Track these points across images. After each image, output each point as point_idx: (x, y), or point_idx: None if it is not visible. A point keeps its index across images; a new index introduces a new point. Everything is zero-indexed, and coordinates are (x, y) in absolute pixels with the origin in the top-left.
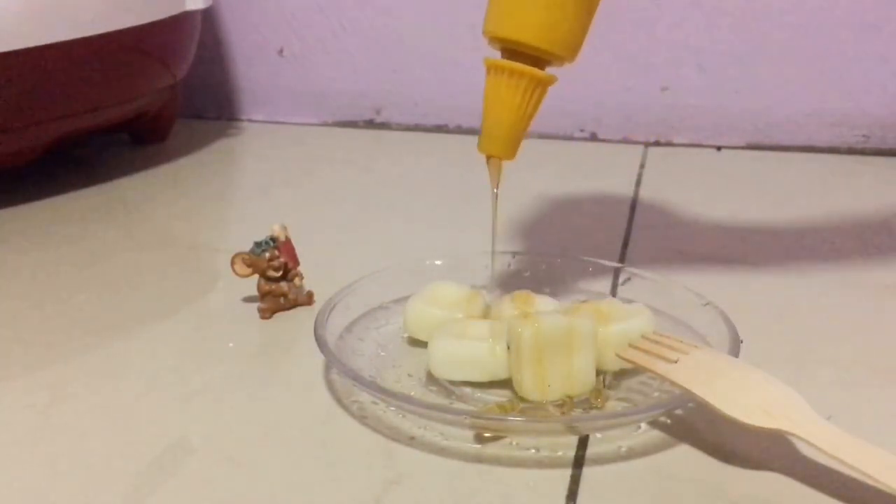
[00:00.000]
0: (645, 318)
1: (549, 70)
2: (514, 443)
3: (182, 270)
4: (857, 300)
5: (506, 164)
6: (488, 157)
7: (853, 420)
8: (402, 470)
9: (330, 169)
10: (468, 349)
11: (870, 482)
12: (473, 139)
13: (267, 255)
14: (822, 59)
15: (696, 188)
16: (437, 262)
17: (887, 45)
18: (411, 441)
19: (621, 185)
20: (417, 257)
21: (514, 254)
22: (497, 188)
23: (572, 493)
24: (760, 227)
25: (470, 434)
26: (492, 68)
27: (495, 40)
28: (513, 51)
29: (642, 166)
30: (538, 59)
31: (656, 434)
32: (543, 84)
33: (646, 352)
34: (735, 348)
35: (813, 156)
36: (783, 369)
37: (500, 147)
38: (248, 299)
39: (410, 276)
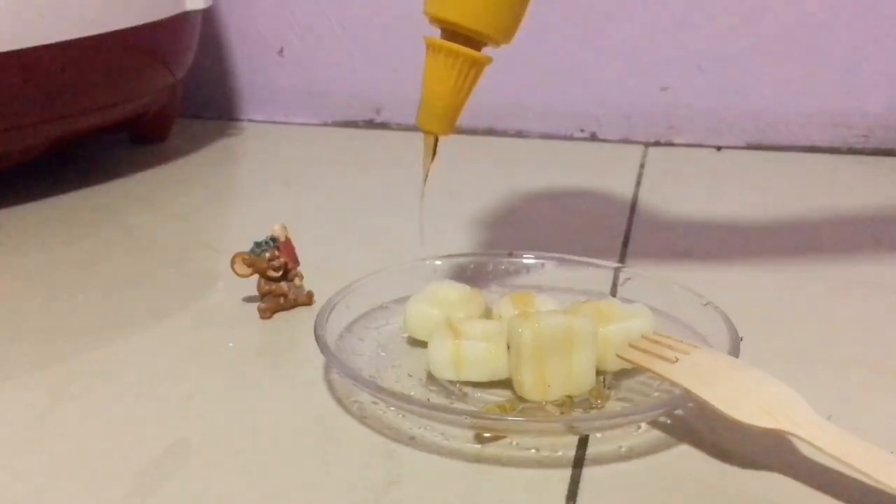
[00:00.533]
0: (645, 318)
1: (486, 51)
2: (514, 443)
3: (182, 270)
4: (857, 300)
5: (509, 163)
6: (425, 132)
7: (853, 420)
8: (402, 470)
9: (330, 169)
10: (468, 349)
11: (870, 482)
12: (473, 139)
13: (267, 255)
14: (822, 59)
15: (696, 188)
16: (437, 262)
17: (887, 46)
18: (411, 441)
19: (621, 185)
20: (417, 257)
21: (511, 253)
22: (431, 162)
23: (572, 493)
24: (760, 227)
25: (470, 434)
26: (430, 47)
27: (434, 20)
28: (451, 31)
29: (642, 166)
30: (474, 41)
31: (656, 434)
32: (478, 64)
33: (646, 352)
34: (735, 348)
35: (813, 156)
36: (783, 369)
37: (437, 123)
38: (248, 299)
39: (410, 276)
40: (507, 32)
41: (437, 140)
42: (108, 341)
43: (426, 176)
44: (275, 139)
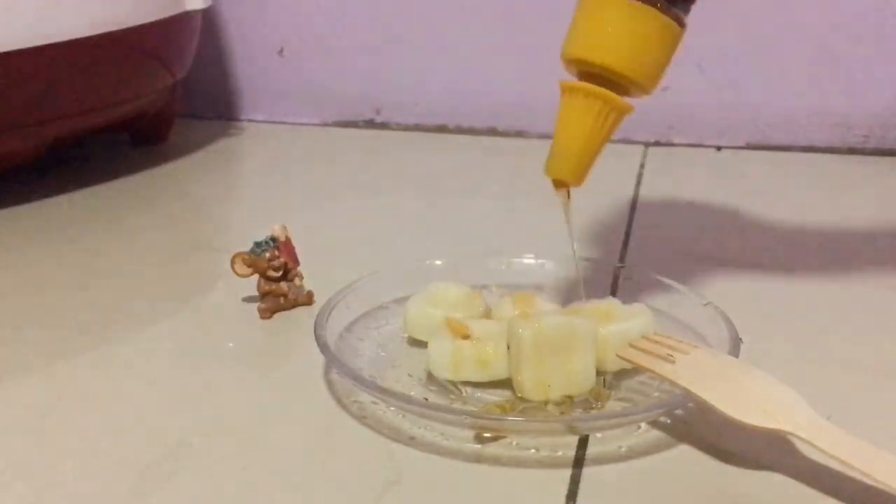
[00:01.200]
0: (645, 318)
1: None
2: (514, 443)
3: (182, 270)
4: (857, 300)
5: (509, 163)
6: (555, 183)
7: (853, 420)
8: (402, 470)
9: (330, 169)
10: (468, 349)
11: (870, 482)
12: (473, 139)
13: (267, 255)
14: (822, 59)
15: (696, 188)
16: (437, 262)
17: (887, 46)
18: (411, 441)
19: (621, 185)
20: (417, 257)
21: (509, 259)
22: (569, 210)
23: (572, 493)
24: (760, 227)
25: (470, 434)
26: (567, 90)
27: (575, 62)
28: (590, 75)
29: (642, 166)
30: (616, 87)
31: (656, 434)
32: (619, 110)
33: (646, 352)
34: (735, 348)
35: (813, 156)
36: (783, 369)
37: (568, 171)
38: (248, 299)
39: (410, 276)
40: (653, 79)
41: (569, 190)
42: (108, 341)
43: (571, 229)
44: (275, 139)
